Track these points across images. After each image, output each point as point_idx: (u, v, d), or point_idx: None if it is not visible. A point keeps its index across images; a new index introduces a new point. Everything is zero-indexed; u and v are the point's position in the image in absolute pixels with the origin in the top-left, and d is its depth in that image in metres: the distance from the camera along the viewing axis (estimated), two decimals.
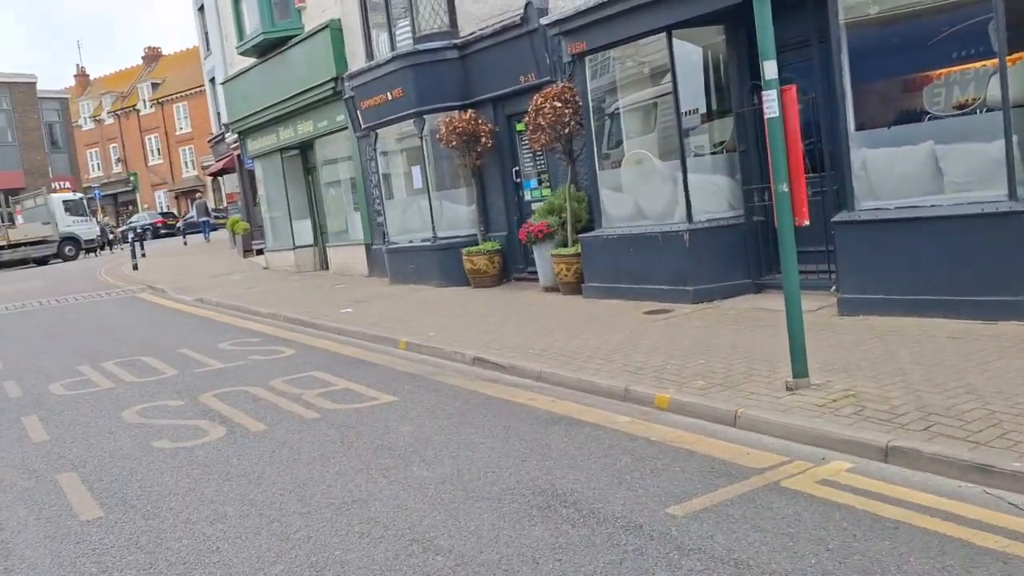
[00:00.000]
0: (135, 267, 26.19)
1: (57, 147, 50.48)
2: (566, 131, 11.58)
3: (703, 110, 10.64)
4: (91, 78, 77.83)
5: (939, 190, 7.91)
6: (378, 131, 15.68)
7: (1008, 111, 7.25)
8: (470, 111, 13.57)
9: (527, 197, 13.78)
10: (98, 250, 41.58)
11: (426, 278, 14.77)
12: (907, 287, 7.90)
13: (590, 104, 11.38)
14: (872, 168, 8.33)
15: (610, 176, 11.45)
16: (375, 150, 16.08)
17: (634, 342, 8.38)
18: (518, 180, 13.90)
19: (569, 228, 11.85)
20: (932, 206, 7.82)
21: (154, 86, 69.54)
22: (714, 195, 10.39)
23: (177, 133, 67.88)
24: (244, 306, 14.96)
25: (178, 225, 53.01)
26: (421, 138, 14.52)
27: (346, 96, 16.64)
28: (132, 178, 68.59)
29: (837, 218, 8.46)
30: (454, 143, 13.49)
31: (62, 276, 28.07)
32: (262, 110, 20.09)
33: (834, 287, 8.80)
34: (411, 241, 15.41)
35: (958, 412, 5.26)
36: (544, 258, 12.36)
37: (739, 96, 10.05)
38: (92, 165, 74.04)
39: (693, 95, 10.54)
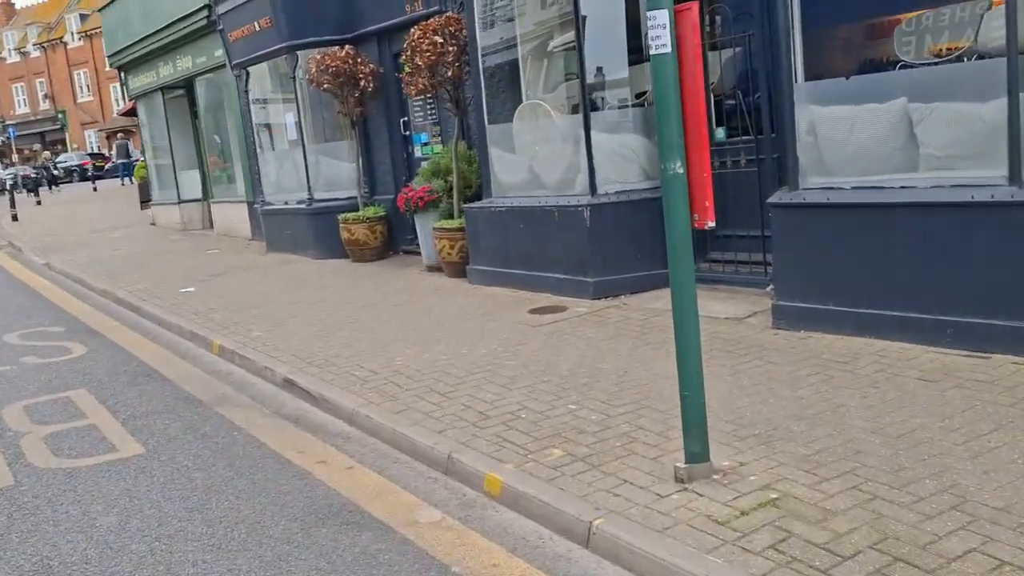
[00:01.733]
0: (15, 218, 23.40)
1: None
2: (449, 74, 9.19)
3: (624, 51, 8.35)
4: (16, 7, 72.92)
5: (913, 166, 5.73)
6: (249, 69, 13.13)
7: (1015, 58, 5.06)
8: (347, 47, 11.08)
9: (417, 154, 11.36)
10: (35, 191, 35.87)
11: (302, 247, 12.38)
12: (865, 298, 5.76)
13: (478, 41, 8.98)
14: (824, 133, 6.11)
15: (501, 132, 9.07)
16: (247, 92, 13.54)
17: (499, 362, 6.18)
18: (407, 133, 11.49)
19: (456, 195, 9.53)
20: (903, 188, 5.65)
21: (82, 17, 65.02)
22: (626, 160, 8.11)
23: (107, 69, 63.48)
24: (83, 278, 12.46)
25: (107, 167, 49.25)
26: (294, 79, 12.02)
27: (220, 27, 14.03)
28: (60, 116, 64.51)
29: (774, 199, 6.28)
30: (327, 85, 11.01)
31: None
32: (139, 42, 17.38)
33: (770, 286, 6.66)
34: (287, 203, 12.94)
35: (944, 556, 3.14)
36: (427, 231, 10.03)
37: None
38: (18, 101, 69.67)
39: (609, 31, 8.23)
